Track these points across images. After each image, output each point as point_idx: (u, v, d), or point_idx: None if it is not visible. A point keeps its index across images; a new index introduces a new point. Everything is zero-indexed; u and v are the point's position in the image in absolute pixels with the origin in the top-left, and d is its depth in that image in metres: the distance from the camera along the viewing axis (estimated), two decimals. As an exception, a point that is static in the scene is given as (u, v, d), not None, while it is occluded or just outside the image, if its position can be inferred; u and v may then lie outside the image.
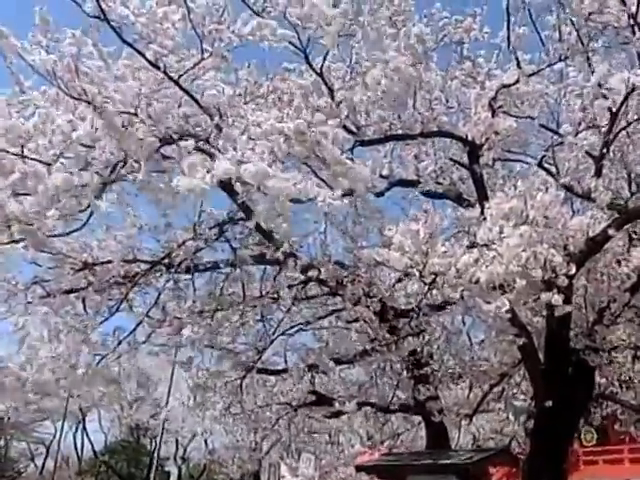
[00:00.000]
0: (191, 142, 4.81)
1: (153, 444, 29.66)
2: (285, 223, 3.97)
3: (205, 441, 23.61)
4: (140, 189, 5.13)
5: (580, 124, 9.44)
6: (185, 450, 30.68)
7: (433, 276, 4.90)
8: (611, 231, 6.97)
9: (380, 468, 7.55)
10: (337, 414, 8.03)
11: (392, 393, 7.89)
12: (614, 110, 8.50)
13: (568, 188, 8.38)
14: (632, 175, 9.13)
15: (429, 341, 8.08)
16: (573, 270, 5.20)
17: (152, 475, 26.85)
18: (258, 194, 4.20)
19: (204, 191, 4.04)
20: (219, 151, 4.55)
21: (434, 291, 6.03)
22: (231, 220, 5.89)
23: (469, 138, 7.35)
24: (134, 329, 6.55)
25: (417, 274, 4.76)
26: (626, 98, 8.21)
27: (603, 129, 8.82)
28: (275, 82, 5.58)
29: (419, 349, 7.75)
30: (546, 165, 9.16)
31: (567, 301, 7.32)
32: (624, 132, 9.06)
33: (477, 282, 4.85)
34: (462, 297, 5.18)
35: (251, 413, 8.35)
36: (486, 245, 5.06)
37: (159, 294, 6.65)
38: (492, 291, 4.91)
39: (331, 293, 6.42)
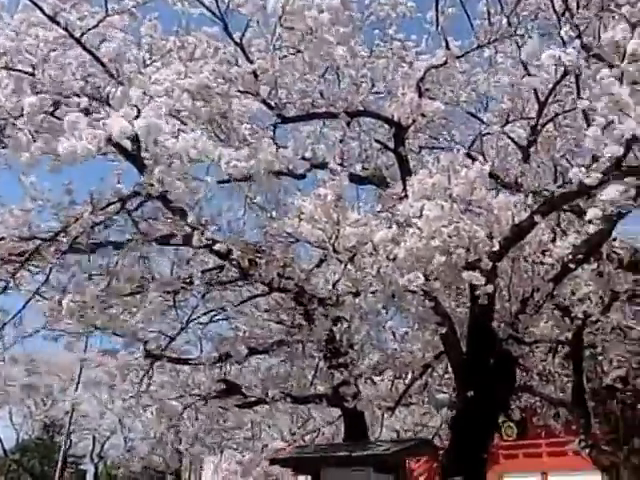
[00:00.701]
0: (84, 99, 4.31)
1: (69, 442, 28.47)
2: (181, 183, 3.53)
3: (125, 438, 22.75)
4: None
5: (509, 115, 9.40)
6: (102, 447, 29.54)
7: (349, 253, 4.54)
8: (537, 218, 6.83)
9: (294, 461, 7.19)
10: (251, 405, 7.61)
11: (309, 383, 7.51)
12: (542, 99, 8.46)
13: (495, 177, 8.25)
14: (558, 167, 9.08)
15: (348, 329, 7.76)
16: (496, 246, 4.93)
17: (64, 473, 25.76)
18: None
19: (89, 152, 3.57)
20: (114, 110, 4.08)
21: (352, 274, 5.70)
22: (136, 194, 5.37)
23: (395, 119, 7.06)
24: (20, 310, 5.96)
25: (331, 249, 4.39)
26: (554, 86, 8.17)
27: (531, 121, 8.80)
28: (181, 37, 5.12)
29: (338, 337, 7.43)
30: (473, 153, 9.02)
31: (490, 284, 7.17)
32: (551, 123, 9.07)
33: (395, 259, 4.54)
34: (379, 273, 4.83)
35: (161, 404, 7.84)
36: (406, 222, 4.76)
37: (49, 273, 6.06)
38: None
39: (245, 276, 5.98)
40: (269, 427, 12.79)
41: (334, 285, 5.76)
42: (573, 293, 11.56)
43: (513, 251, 7.44)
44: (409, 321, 8.70)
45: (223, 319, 8.18)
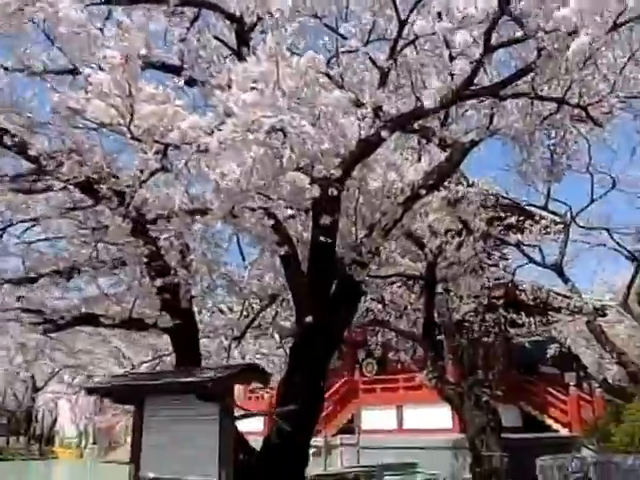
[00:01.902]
0: None
1: None
2: None
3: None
4: None
5: (370, 33, 8.90)
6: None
7: (153, 142, 3.85)
8: (384, 133, 6.44)
9: (115, 390, 6.56)
10: (60, 328, 6.80)
11: (136, 306, 6.82)
12: (403, 18, 8.01)
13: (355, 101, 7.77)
14: (415, 89, 8.71)
15: (183, 250, 7.13)
16: (326, 145, 4.42)
17: None
18: None
19: None
20: None
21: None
22: None
23: (237, 14, 6.33)
24: None
25: (127, 131, 3.68)
26: (415, 6, 7.74)
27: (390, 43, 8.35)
28: None
29: (169, 257, 6.77)
30: (331, 72, 8.48)
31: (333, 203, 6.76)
32: (411, 46, 8.68)
33: (207, 150, 3.92)
34: (187, 165, 4.19)
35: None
36: (226, 112, 4.14)
37: None
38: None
39: (40, 169, 5.09)
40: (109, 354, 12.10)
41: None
42: (430, 228, 11.59)
43: (360, 171, 7.06)
44: (253, 243, 8.15)
45: (43, 239, 7.20)
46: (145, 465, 6.62)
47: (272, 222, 6.82)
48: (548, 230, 14.85)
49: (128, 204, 4.86)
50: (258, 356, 12.01)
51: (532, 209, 15.59)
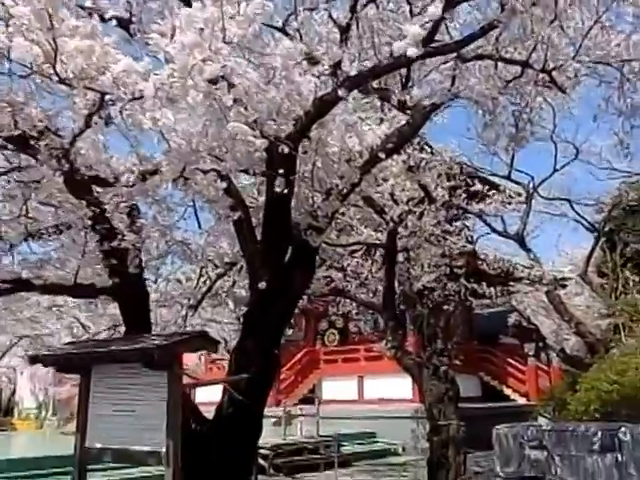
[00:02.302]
0: None
1: None
2: None
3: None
4: None
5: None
6: None
7: (92, 93, 3.51)
8: (341, 92, 6.15)
9: (60, 359, 6.25)
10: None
11: (77, 271, 6.47)
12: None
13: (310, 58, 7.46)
14: (378, 48, 8.43)
15: (133, 214, 6.80)
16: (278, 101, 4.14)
17: None
18: None
19: None
20: None
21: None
22: None
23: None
24: None
25: (53, 73, 3.34)
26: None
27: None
28: None
29: (117, 221, 6.44)
30: (290, 31, 8.16)
31: (290, 167, 6.48)
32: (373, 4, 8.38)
33: (141, 97, 3.60)
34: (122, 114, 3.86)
35: None
36: (167, 58, 3.81)
37: None
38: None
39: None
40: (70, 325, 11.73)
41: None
42: (392, 196, 11.40)
43: (317, 132, 6.78)
44: (209, 209, 7.85)
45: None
46: (92, 435, 6.38)
47: (224, 185, 6.54)
48: (510, 200, 14.81)
49: (61, 158, 4.50)
50: (214, 325, 11.77)
51: (495, 179, 15.52)
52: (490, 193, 14.76)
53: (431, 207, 11.75)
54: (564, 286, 17.87)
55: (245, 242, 6.88)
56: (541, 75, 8.49)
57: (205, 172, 6.41)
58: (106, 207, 6.08)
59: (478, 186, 14.17)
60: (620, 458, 9.15)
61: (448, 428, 10.65)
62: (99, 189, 6.33)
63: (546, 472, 10.21)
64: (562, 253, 20.37)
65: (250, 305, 6.90)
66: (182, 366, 5.97)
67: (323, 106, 6.17)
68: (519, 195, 15.32)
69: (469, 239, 15.56)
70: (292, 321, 24.14)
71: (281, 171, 6.35)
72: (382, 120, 8.21)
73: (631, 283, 15.08)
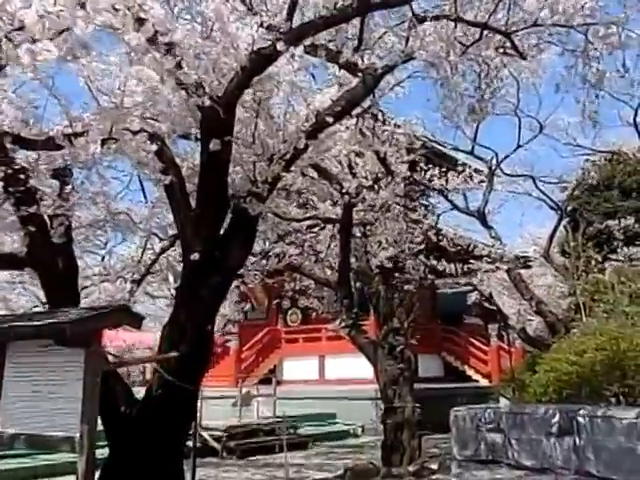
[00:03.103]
0: None
1: None
2: None
3: None
4: None
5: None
6: None
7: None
8: (280, 45, 5.61)
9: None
10: None
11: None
12: None
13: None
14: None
15: (62, 178, 6.24)
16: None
17: None
18: None
19: None
20: None
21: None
22: None
23: None
24: None
25: None
26: None
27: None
28: None
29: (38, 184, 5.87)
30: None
31: (227, 128, 5.96)
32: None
33: (23, 28, 3.04)
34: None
35: None
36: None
37: None
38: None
39: None
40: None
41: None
42: (351, 169, 10.91)
43: (258, 90, 6.25)
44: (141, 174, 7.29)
45: None
46: (5, 420, 5.83)
47: (155, 147, 5.99)
48: (472, 175, 14.45)
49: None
50: (163, 300, 11.21)
51: (459, 154, 15.13)
52: (450, 169, 14.38)
53: (390, 181, 11.29)
54: (528, 267, 17.64)
55: (178, 209, 6.33)
56: (503, 41, 8.06)
57: (135, 133, 5.87)
58: (22, 167, 5.50)
59: (440, 163, 13.79)
60: (578, 441, 8.87)
61: (403, 410, 10.29)
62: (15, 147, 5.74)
63: (503, 456, 9.93)
64: (526, 234, 20.16)
65: (182, 278, 6.37)
66: (102, 344, 5.44)
67: (260, 60, 5.63)
68: (481, 172, 14.97)
69: (430, 215, 15.20)
70: (253, 300, 23.66)
71: (216, 131, 5.83)
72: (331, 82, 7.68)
73: (593, 262, 14.86)
